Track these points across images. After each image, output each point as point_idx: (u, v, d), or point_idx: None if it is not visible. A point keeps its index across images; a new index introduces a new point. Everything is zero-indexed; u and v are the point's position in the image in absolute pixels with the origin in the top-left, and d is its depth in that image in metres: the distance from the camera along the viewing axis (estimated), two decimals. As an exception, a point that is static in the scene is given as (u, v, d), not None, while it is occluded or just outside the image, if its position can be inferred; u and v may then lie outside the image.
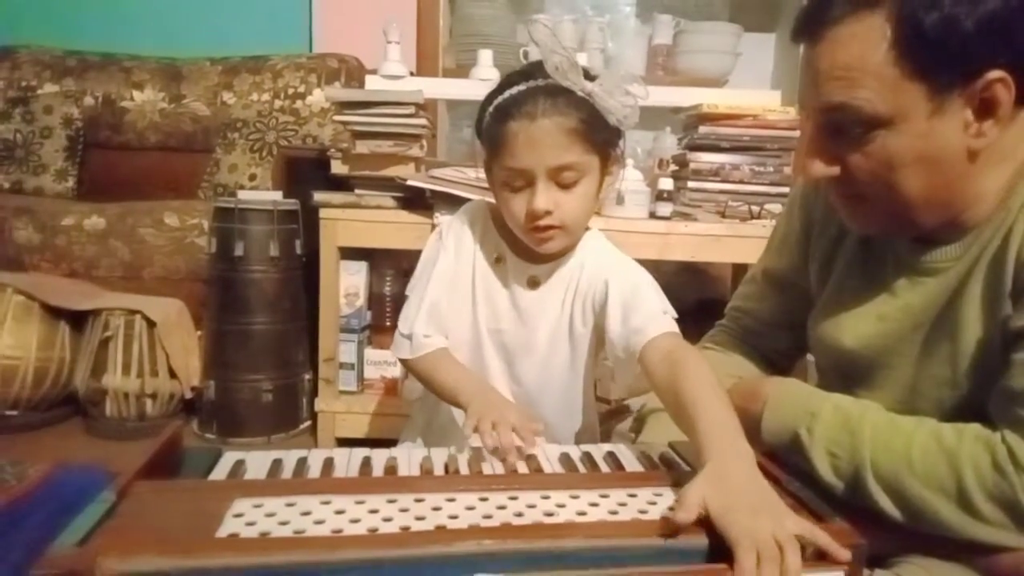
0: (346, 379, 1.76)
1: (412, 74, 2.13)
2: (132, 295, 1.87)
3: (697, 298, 2.10)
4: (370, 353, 1.79)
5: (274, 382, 1.80)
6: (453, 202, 1.58)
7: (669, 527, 0.63)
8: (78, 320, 1.84)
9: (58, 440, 1.77)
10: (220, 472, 0.78)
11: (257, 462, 0.81)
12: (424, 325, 1.02)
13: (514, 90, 0.92)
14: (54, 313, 1.81)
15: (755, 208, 1.73)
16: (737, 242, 1.66)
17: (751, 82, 2.71)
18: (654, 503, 0.71)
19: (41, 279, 1.89)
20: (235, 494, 0.68)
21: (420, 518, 0.66)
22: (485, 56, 1.97)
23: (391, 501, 0.69)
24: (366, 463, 0.82)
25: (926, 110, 0.76)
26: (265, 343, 1.80)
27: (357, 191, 1.75)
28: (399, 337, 1.04)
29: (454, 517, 0.66)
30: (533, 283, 1.06)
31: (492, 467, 0.82)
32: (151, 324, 1.79)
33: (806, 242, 1.08)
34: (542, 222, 0.94)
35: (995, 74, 0.74)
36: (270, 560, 0.57)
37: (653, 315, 0.97)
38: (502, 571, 0.59)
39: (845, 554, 0.61)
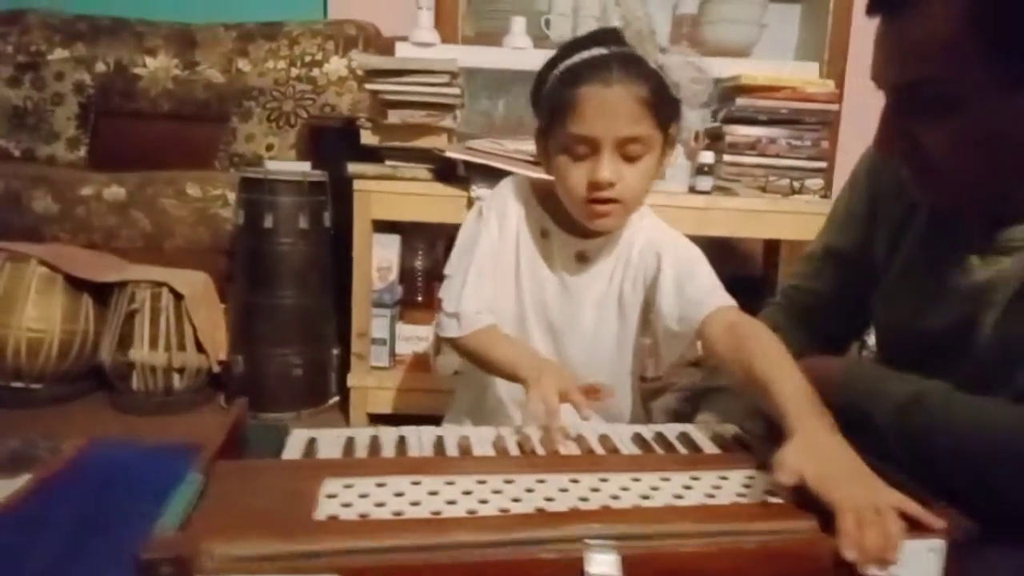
0: (378, 354, 1.74)
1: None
2: (157, 267, 1.83)
3: (730, 275, 2.08)
4: (401, 328, 1.76)
5: (303, 357, 1.78)
6: (490, 175, 1.55)
7: (774, 510, 0.62)
8: (101, 292, 1.81)
9: (85, 414, 1.74)
10: (293, 451, 0.76)
11: (329, 441, 0.79)
12: (472, 302, 0.99)
13: (585, 54, 0.89)
14: (77, 285, 1.77)
15: (796, 183, 1.70)
16: (778, 218, 1.63)
17: (774, 53, 2.66)
18: (748, 486, 0.69)
19: (63, 250, 1.85)
20: (322, 474, 0.66)
21: (516, 500, 0.64)
22: (518, 24, 1.92)
23: (481, 482, 0.67)
24: (439, 442, 0.80)
25: (1004, 84, 0.74)
26: (294, 317, 1.77)
27: (388, 162, 1.71)
28: (444, 317, 1.01)
29: (550, 499, 0.64)
30: (581, 258, 1.03)
31: (566, 446, 0.80)
32: (178, 297, 1.76)
33: (872, 219, 1.05)
34: (603, 194, 0.91)
35: None
36: (377, 543, 0.55)
37: (711, 288, 0.96)
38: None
39: (939, 521, 0.60)
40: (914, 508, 0.61)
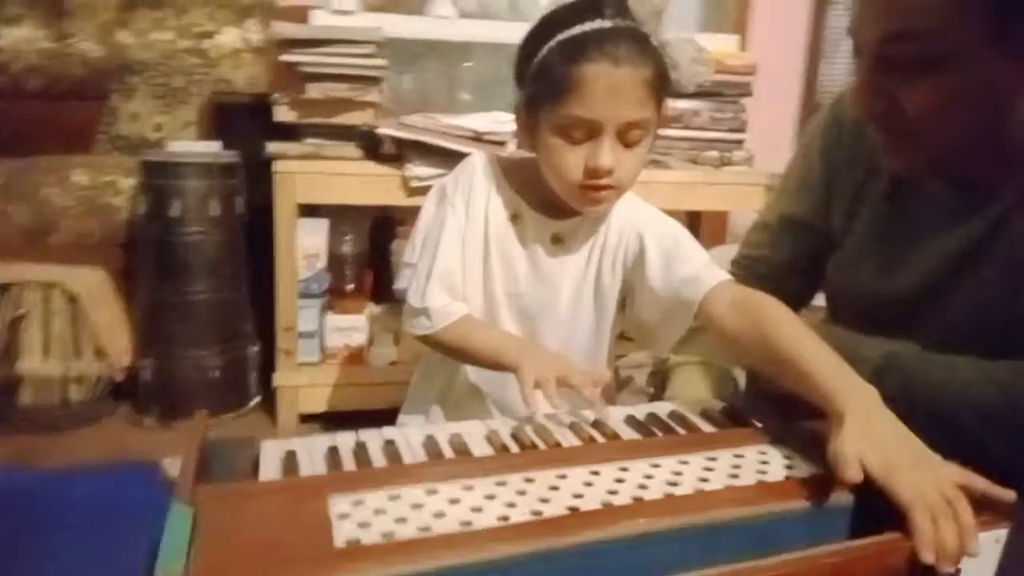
0: (306, 349, 1.63)
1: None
2: (44, 265, 1.63)
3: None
4: (331, 319, 1.65)
5: (221, 357, 1.64)
6: (427, 153, 1.47)
7: (818, 493, 0.60)
8: (-24, 296, 1.59)
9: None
10: (271, 468, 0.67)
11: (308, 452, 0.70)
12: (440, 294, 0.92)
13: (588, 26, 0.81)
14: (-54, 289, 1.55)
15: (726, 155, 1.72)
16: (712, 189, 1.65)
17: (679, 24, 2.70)
18: (766, 462, 0.67)
19: (-76, 250, 1.62)
20: (324, 492, 0.58)
21: (544, 500, 0.59)
22: (441, -8, 1.83)
23: (501, 484, 0.61)
24: (431, 443, 0.73)
25: (990, 44, 0.75)
26: (209, 314, 1.62)
27: (307, 140, 1.59)
28: (412, 312, 0.94)
29: (579, 496, 0.59)
30: (556, 240, 0.98)
31: (564, 436, 0.76)
32: (71, 298, 1.57)
33: (828, 187, 1.06)
34: (601, 181, 0.85)
35: None
36: (421, 568, 0.48)
37: (705, 264, 0.93)
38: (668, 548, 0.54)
39: (1009, 494, 0.59)
40: (981, 482, 0.59)
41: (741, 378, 1.03)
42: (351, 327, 1.65)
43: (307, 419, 1.63)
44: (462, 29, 1.87)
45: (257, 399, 1.75)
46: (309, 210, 1.64)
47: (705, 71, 0.89)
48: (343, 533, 0.52)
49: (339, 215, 1.67)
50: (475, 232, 0.95)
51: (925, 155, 0.85)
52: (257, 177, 1.75)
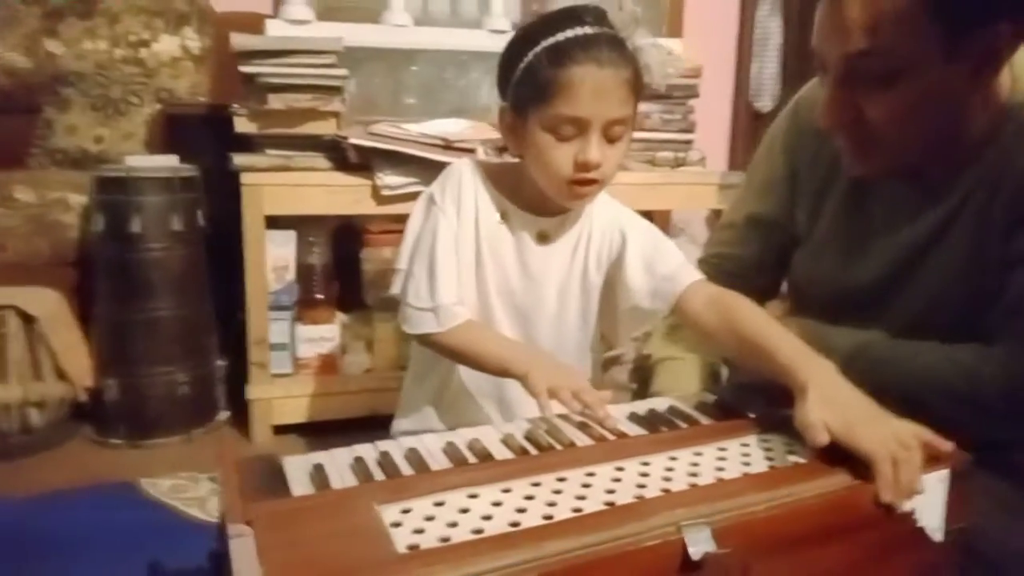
0: (279, 361, 1.61)
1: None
2: (-4, 287, 1.56)
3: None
4: (302, 330, 1.64)
5: (189, 373, 1.60)
6: (397, 162, 1.48)
7: (822, 472, 0.66)
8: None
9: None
10: (302, 482, 0.68)
11: (336, 464, 0.72)
12: (448, 294, 0.95)
13: (570, 33, 0.87)
14: None
15: (680, 155, 1.79)
16: (669, 189, 1.72)
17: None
18: (771, 449, 0.73)
19: None
20: (368, 502, 0.60)
21: (581, 497, 0.62)
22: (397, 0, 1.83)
23: (535, 484, 0.65)
24: (452, 448, 0.76)
25: (943, 56, 0.81)
26: (174, 330, 1.59)
27: (269, 151, 1.58)
28: (417, 312, 0.96)
29: (611, 491, 0.63)
30: (543, 237, 1.02)
31: (576, 436, 0.80)
32: (28, 320, 1.51)
33: (792, 184, 1.12)
34: (588, 175, 0.91)
35: (1004, 26, 0.81)
36: (488, 565, 0.51)
37: (681, 263, 1.00)
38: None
39: (947, 444, 0.68)
40: (928, 434, 0.68)
41: (723, 372, 1.09)
42: (322, 337, 1.64)
43: (281, 430, 1.62)
44: (415, 36, 1.89)
45: (226, 414, 1.72)
46: (272, 222, 1.62)
47: (673, 72, 0.96)
48: (402, 539, 0.55)
49: (303, 226, 1.65)
50: (467, 234, 0.99)
51: (887, 159, 0.92)
52: (214, 189, 1.72)
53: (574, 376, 0.87)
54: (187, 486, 1.39)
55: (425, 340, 0.97)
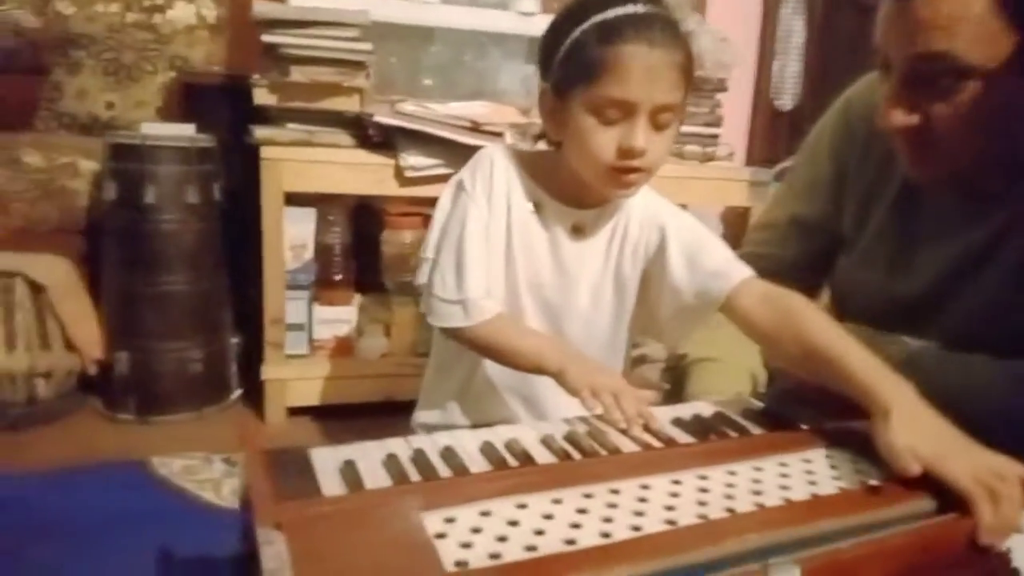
0: (294, 341, 1.56)
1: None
2: (3, 253, 1.51)
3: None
4: (319, 311, 1.59)
5: (202, 349, 1.56)
6: (421, 142, 1.43)
7: (898, 495, 0.61)
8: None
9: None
10: (333, 480, 0.63)
11: (368, 461, 0.67)
12: (477, 286, 0.90)
13: (620, 10, 0.81)
14: None
15: (708, 150, 1.73)
16: (699, 183, 1.66)
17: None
18: (836, 467, 0.68)
19: None
20: (410, 507, 0.55)
21: (639, 513, 0.58)
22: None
23: (588, 496, 0.60)
24: (490, 448, 0.71)
25: (1018, 64, 0.78)
26: (188, 305, 1.54)
27: (290, 126, 1.52)
28: (443, 304, 0.91)
29: (671, 508, 0.59)
30: (577, 230, 0.96)
31: (619, 440, 0.75)
32: (36, 288, 1.46)
33: (839, 187, 1.08)
34: (633, 163, 0.85)
35: None
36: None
37: (729, 259, 0.93)
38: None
39: None
40: (1020, 468, 0.62)
41: (760, 376, 1.05)
42: (339, 319, 1.59)
43: (294, 412, 1.58)
44: (440, 14, 1.82)
45: (239, 392, 1.68)
46: (290, 199, 1.57)
47: (731, 59, 0.89)
48: (449, 555, 0.50)
49: (322, 204, 1.60)
50: (498, 224, 0.93)
51: (944, 165, 0.88)
52: (230, 162, 1.67)
53: (614, 376, 0.83)
54: (200, 467, 1.35)
55: (452, 334, 0.92)
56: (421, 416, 1.06)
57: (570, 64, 0.84)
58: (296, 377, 1.55)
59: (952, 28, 0.77)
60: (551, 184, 0.94)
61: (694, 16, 0.86)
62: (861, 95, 1.04)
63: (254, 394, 1.62)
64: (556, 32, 0.86)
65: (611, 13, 0.81)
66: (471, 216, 0.91)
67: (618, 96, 0.81)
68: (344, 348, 1.61)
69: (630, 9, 0.81)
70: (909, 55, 0.81)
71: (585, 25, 0.82)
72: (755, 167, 2.07)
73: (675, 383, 1.10)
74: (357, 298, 1.67)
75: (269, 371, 1.54)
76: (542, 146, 0.98)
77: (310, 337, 1.60)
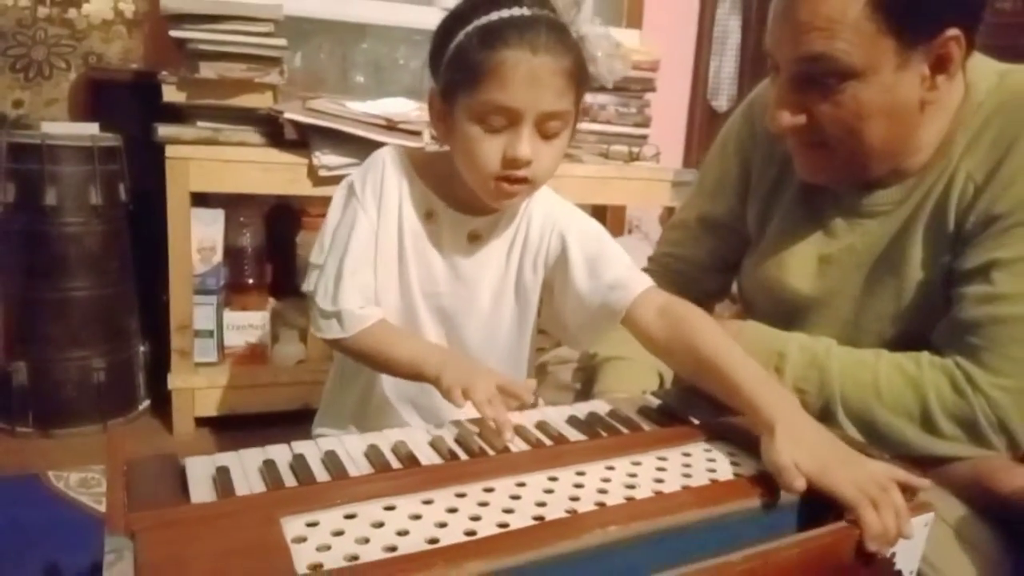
0: (203, 349, 1.52)
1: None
2: None
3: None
4: (230, 316, 1.55)
5: (106, 358, 1.50)
6: (336, 141, 1.40)
7: (765, 488, 0.62)
8: None
9: None
10: (203, 487, 0.61)
11: (243, 467, 0.65)
12: (353, 297, 0.87)
13: (505, 13, 0.79)
14: None
15: (634, 150, 1.76)
16: (622, 184, 1.68)
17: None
18: (713, 460, 0.69)
19: None
20: (273, 513, 0.54)
21: (508, 511, 0.57)
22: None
23: (460, 495, 0.59)
24: (375, 451, 0.70)
25: (894, 63, 0.82)
26: (91, 311, 1.48)
27: (200, 123, 1.48)
28: (320, 316, 0.88)
29: (542, 504, 0.59)
30: (473, 238, 0.94)
31: (509, 439, 0.74)
32: (-76, 295, 1.39)
33: (744, 186, 1.10)
34: (518, 173, 0.83)
35: (952, 32, 0.81)
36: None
37: (628, 269, 0.92)
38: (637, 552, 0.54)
39: (924, 481, 0.65)
40: (902, 473, 0.64)
41: (667, 373, 1.06)
42: (251, 324, 1.55)
43: (204, 423, 1.53)
44: (360, 10, 1.80)
45: (146, 403, 1.62)
46: (200, 199, 1.53)
47: (622, 67, 0.90)
48: (303, 558, 0.49)
49: (234, 204, 1.56)
50: (388, 231, 0.90)
51: (836, 166, 0.91)
52: (138, 161, 1.61)
53: (491, 376, 0.80)
54: (99, 480, 1.29)
55: (335, 345, 0.90)
56: (320, 429, 1.02)
57: (454, 68, 0.82)
58: (205, 386, 1.50)
59: (831, 30, 0.80)
60: (446, 189, 0.91)
61: (589, 18, 0.84)
62: (765, 96, 1.07)
63: (162, 404, 1.57)
64: (443, 34, 0.84)
65: (495, 16, 0.79)
66: (359, 224, 0.88)
67: (500, 103, 0.79)
68: (257, 355, 1.57)
69: (516, 12, 0.79)
70: (793, 57, 0.85)
71: (469, 28, 0.80)
72: (688, 168, 2.11)
73: (585, 382, 1.11)
74: (271, 303, 1.63)
75: (176, 380, 1.49)
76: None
77: (220, 344, 1.55)
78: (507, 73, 0.78)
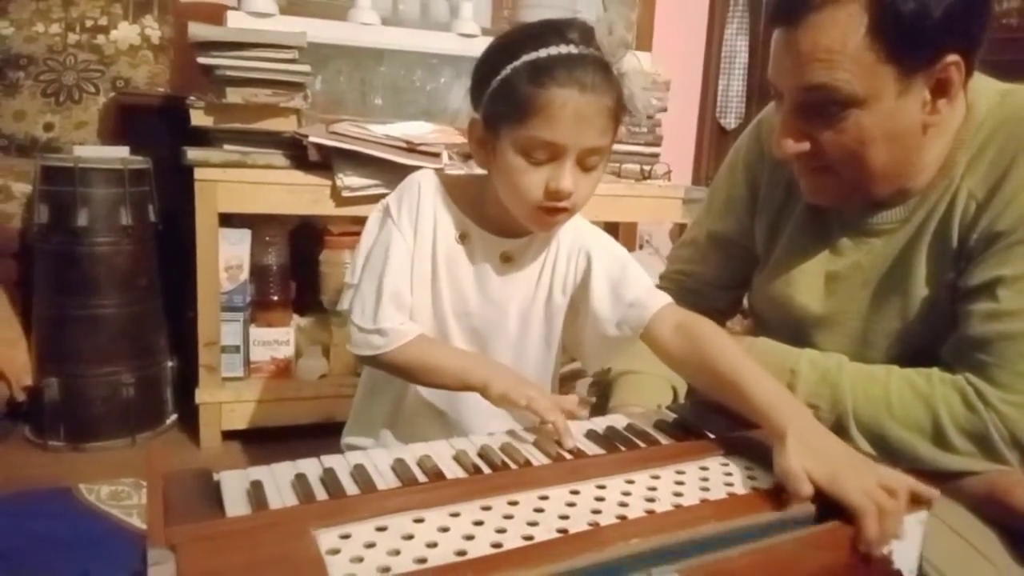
0: (230, 364, 1.55)
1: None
2: (-74, 278, 1.48)
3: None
4: (255, 332, 1.59)
5: (135, 374, 1.54)
6: (358, 163, 1.44)
7: (782, 500, 0.64)
8: None
9: None
10: (238, 501, 0.64)
11: (275, 481, 0.68)
12: (394, 315, 0.90)
13: (553, 50, 0.81)
14: None
15: (646, 168, 1.78)
16: (634, 202, 1.70)
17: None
18: (730, 473, 0.71)
19: None
20: (305, 526, 0.56)
21: (532, 523, 0.59)
22: (364, -2, 1.80)
23: (486, 508, 0.61)
24: (401, 465, 0.72)
25: (895, 90, 0.83)
26: (121, 328, 1.52)
27: (227, 146, 1.53)
28: (360, 333, 0.91)
29: (565, 517, 0.61)
30: (505, 259, 0.97)
31: (531, 454, 0.77)
32: (-39, 314, 1.43)
33: (753, 205, 1.12)
34: (560, 204, 0.86)
35: (951, 57, 0.82)
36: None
37: (648, 288, 0.95)
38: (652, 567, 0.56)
39: (934, 492, 0.66)
40: (913, 482, 0.65)
41: (681, 387, 1.08)
42: (276, 340, 1.59)
43: (231, 436, 1.56)
44: (381, 36, 1.85)
45: (174, 417, 1.66)
46: (226, 219, 1.57)
47: (658, 103, 0.92)
48: (338, 570, 0.51)
49: (260, 224, 1.60)
50: (423, 253, 0.94)
51: (841, 189, 0.93)
52: (168, 184, 1.66)
53: (535, 386, 0.84)
54: (129, 492, 1.33)
55: (373, 361, 0.92)
56: (350, 441, 1.06)
57: (500, 101, 0.84)
58: (232, 400, 1.54)
59: (832, 61, 0.82)
60: (479, 212, 0.94)
61: (629, 54, 0.87)
62: (772, 117, 1.09)
63: (190, 418, 1.60)
64: (488, 64, 0.86)
65: (543, 52, 0.80)
66: (395, 245, 0.91)
67: (547, 139, 0.81)
68: (282, 370, 1.61)
69: (563, 49, 0.80)
70: (795, 87, 0.87)
71: (517, 63, 0.82)
72: (698, 186, 2.14)
73: (600, 396, 1.13)
74: (296, 319, 1.67)
75: (203, 394, 1.52)
76: (474, 166, 0.98)
77: (246, 359, 1.59)
78: (555, 111, 0.80)
